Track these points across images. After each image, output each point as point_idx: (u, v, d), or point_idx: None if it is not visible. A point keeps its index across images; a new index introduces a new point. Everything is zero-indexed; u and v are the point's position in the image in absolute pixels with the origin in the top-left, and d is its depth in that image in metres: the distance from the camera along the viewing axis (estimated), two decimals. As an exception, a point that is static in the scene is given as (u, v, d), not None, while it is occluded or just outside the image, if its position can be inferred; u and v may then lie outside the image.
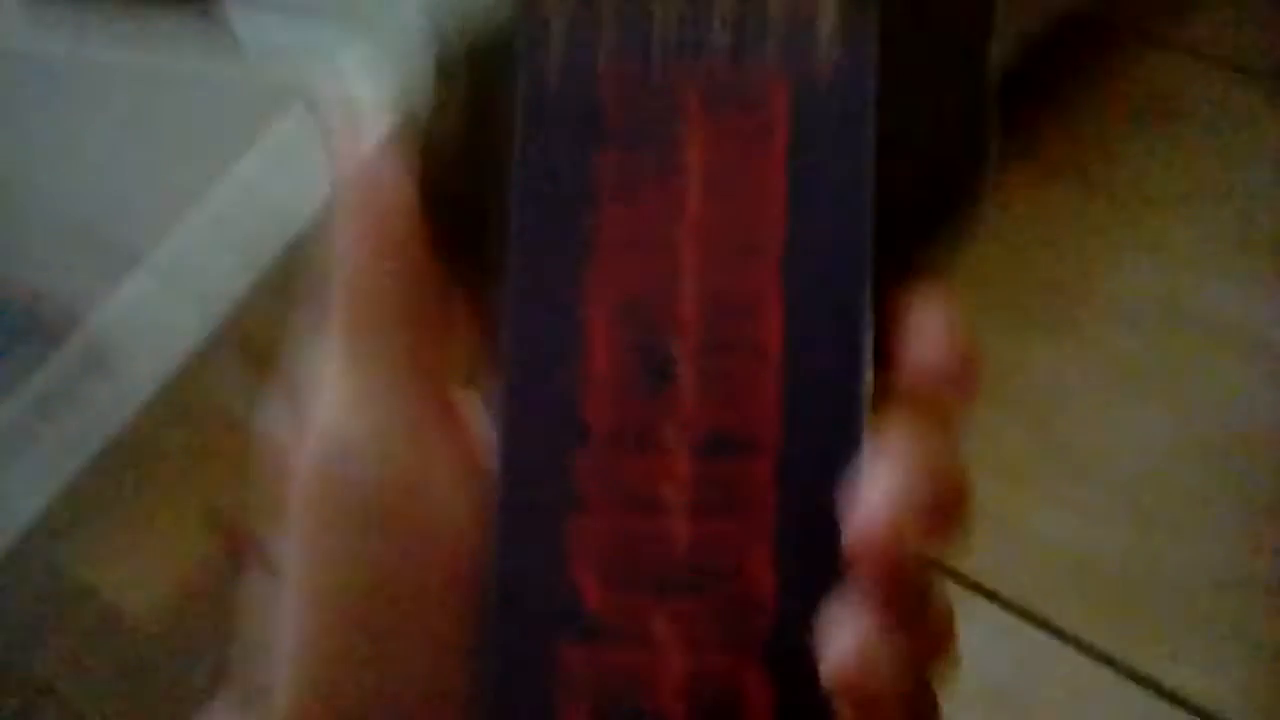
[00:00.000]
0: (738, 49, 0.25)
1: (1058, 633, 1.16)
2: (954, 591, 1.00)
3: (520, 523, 0.25)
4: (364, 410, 0.26)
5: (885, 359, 0.25)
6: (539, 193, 0.26)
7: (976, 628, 1.16)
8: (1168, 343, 1.35)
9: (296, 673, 0.26)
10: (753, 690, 0.25)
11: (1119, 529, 1.23)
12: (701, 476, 0.25)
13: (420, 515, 0.26)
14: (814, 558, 0.25)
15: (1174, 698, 1.12)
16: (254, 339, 1.21)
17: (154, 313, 1.23)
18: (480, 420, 0.27)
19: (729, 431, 0.25)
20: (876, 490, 0.24)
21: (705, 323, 0.25)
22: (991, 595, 1.19)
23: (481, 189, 0.26)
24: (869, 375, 0.25)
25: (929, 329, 0.25)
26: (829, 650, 0.24)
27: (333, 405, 0.26)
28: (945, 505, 0.25)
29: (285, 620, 0.26)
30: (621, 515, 0.25)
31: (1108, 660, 1.15)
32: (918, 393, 0.25)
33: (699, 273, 0.25)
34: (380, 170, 0.27)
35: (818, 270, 0.25)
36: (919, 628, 0.25)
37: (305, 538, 0.26)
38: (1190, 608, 1.18)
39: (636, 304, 0.25)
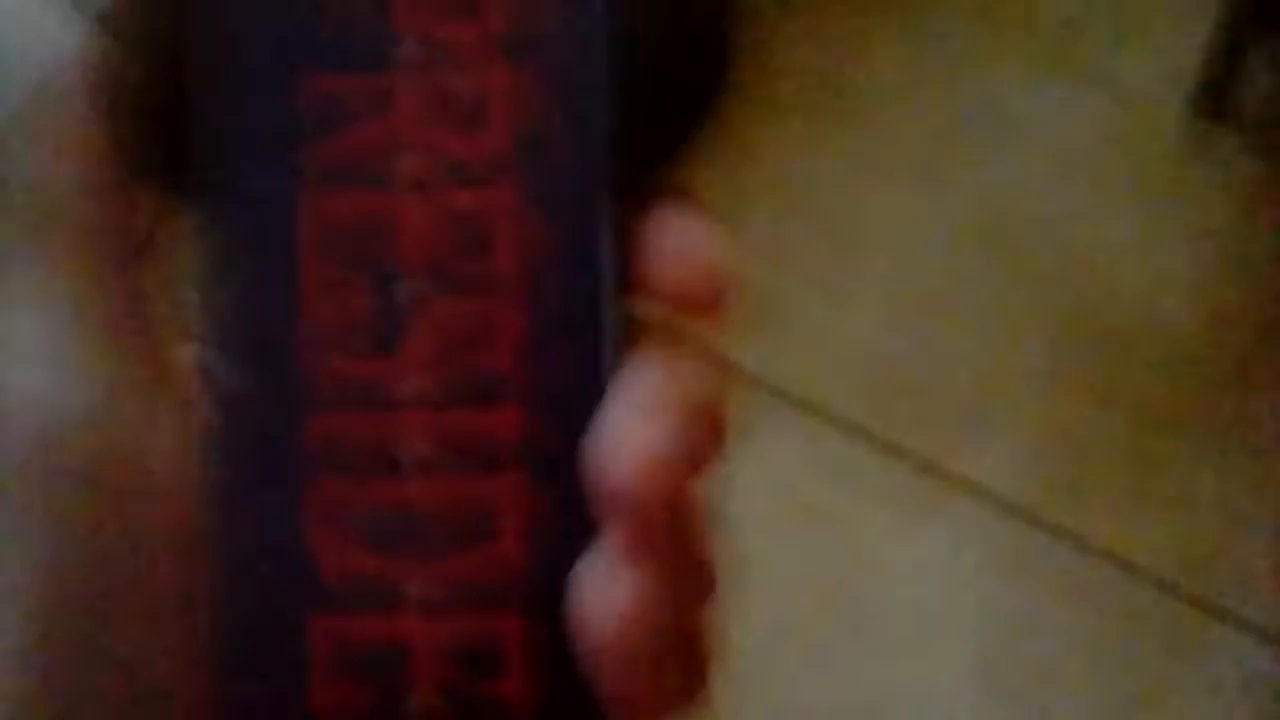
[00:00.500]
0: None
1: (851, 428, 1.18)
2: (748, 394, 1.00)
3: (248, 494, 0.23)
4: (74, 368, 0.24)
5: (637, 285, 0.23)
6: (239, 129, 0.23)
7: (770, 430, 1.18)
8: (951, 133, 1.36)
9: (14, 648, 0.24)
10: (512, 651, 0.23)
11: (908, 323, 1.24)
12: (440, 429, 0.23)
13: (143, 479, 0.24)
14: (568, 509, 0.23)
15: (960, 481, 1.16)
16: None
17: None
18: (198, 378, 0.24)
19: (467, 379, 0.23)
20: (625, 433, 0.22)
21: (433, 260, 0.23)
22: (757, 382, 1.20)
23: (179, 93, 0.24)
24: (615, 308, 0.23)
25: (674, 249, 0.23)
26: (587, 608, 0.22)
27: (37, 364, 0.24)
28: (701, 441, 0.23)
29: (2, 597, 0.24)
30: (357, 478, 0.23)
31: (888, 446, 1.17)
32: (666, 319, 0.23)
33: (423, 204, 0.23)
34: (75, 104, 0.24)
35: (554, 193, 0.23)
36: (683, 576, 0.23)
37: (17, 506, 0.24)
38: (957, 390, 1.20)
39: (355, 244, 0.23)
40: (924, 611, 1.09)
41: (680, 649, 0.23)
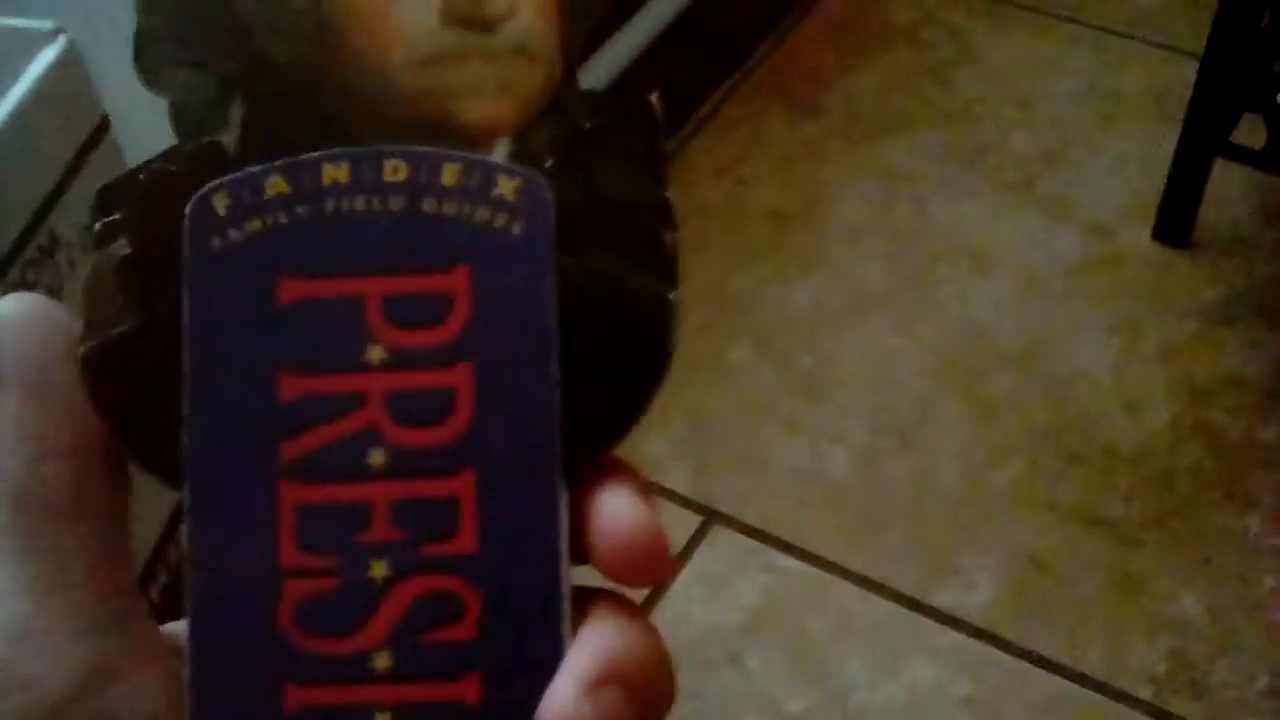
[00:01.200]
0: (411, 237, 0.26)
1: (810, 558, 1.18)
2: (728, 535, 1.00)
3: None
4: (30, 631, 0.24)
5: (582, 551, 0.26)
6: (216, 379, 0.26)
7: (751, 570, 1.17)
8: (921, 270, 1.37)
9: None
10: None
11: (884, 460, 1.25)
12: (408, 699, 0.25)
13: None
14: None
15: (942, 613, 1.15)
16: None
17: None
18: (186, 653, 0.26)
19: (431, 649, 0.25)
20: (572, 687, 0.24)
21: (401, 537, 0.25)
22: (738, 525, 1.20)
23: (157, 375, 0.26)
24: (566, 579, 0.25)
25: (614, 522, 0.25)
26: None
27: (25, 647, 0.24)
28: (643, 693, 0.24)
29: None
30: (331, 696, 0.25)
31: (866, 582, 1.17)
32: (615, 569, 0.25)
33: (389, 480, 0.26)
34: (51, 368, 0.25)
35: (510, 479, 0.26)
36: None
37: None
38: (937, 522, 1.20)
39: (328, 522, 0.25)
40: (915, 748, 1.08)
41: None
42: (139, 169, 0.27)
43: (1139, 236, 1.38)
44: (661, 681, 0.25)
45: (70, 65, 0.93)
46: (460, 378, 0.26)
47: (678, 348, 0.27)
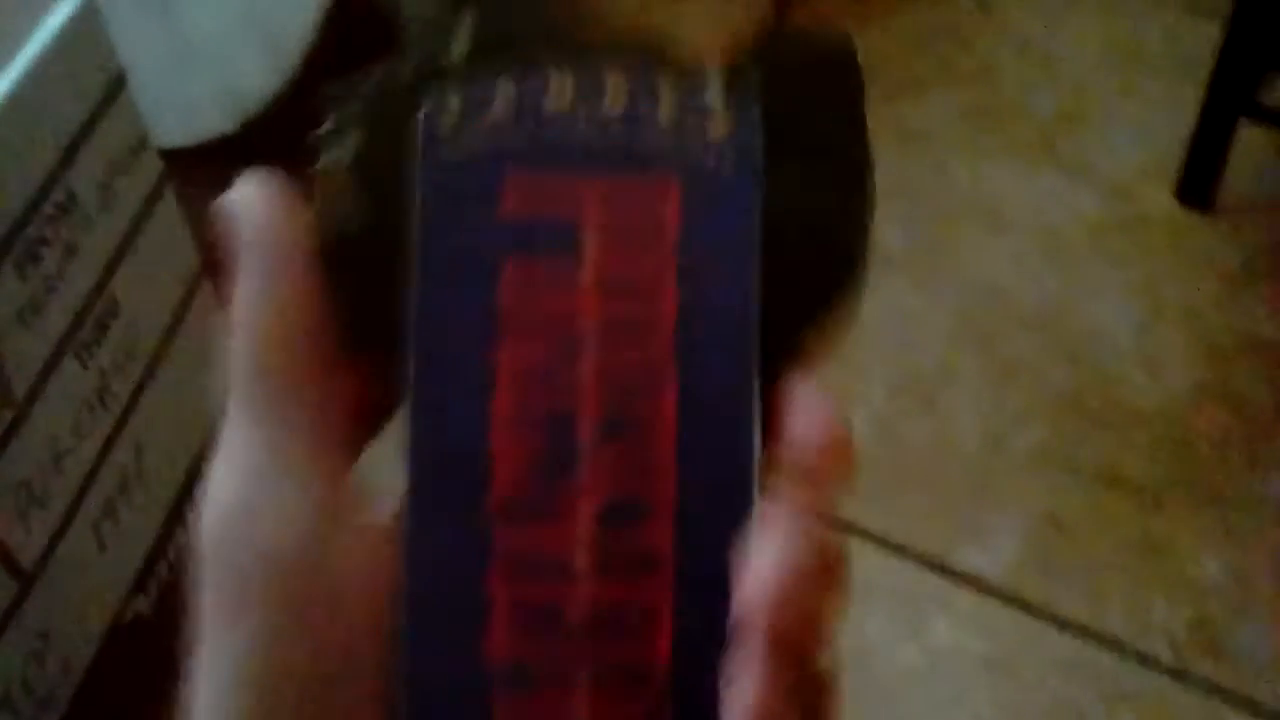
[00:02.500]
0: (629, 149, 0.28)
1: (852, 529, 1.17)
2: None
3: (431, 595, 0.27)
4: (264, 479, 0.28)
5: (772, 434, 0.27)
6: (442, 279, 0.28)
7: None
8: (943, 230, 1.37)
9: None
10: None
11: (906, 421, 1.24)
12: (604, 543, 0.27)
13: (321, 584, 0.27)
14: (709, 621, 0.26)
15: (962, 574, 1.14)
16: None
17: None
18: (384, 489, 0.28)
19: (629, 501, 0.27)
20: (764, 559, 0.26)
21: (604, 400, 0.27)
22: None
23: (385, 271, 0.28)
24: (758, 451, 0.27)
25: (808, 410, 0.27)
26: (724, 711, 0.26)
27: (234, 472, 0.28)
28: (826, 571, 0.26)
29: (197, 686, 0.28)
30: (530, 581, 0.27)
31: (886, 544, 1.16)
32: (799, 467, 0.27)
33: (598, 354, 0.27)
34: (284, 243, 0.28)
35: (709, 354, 0.27)
36: (807, 687, 0.26)
37: (209, 605, 0.28)
38: (957, 484, 1.20)
39: (539, 383, 0.27)
40: (935, 708, 1.08)
41: None
42: (370, 73, 0.28)
43: (1160, 198, 1.37)
44: (841, 559, 0.27)
45: (86, 20, 0.92)
46: (666, 292, 0.28)
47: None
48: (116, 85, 0.94)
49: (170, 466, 1.03)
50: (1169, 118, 1.42)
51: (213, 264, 1.06)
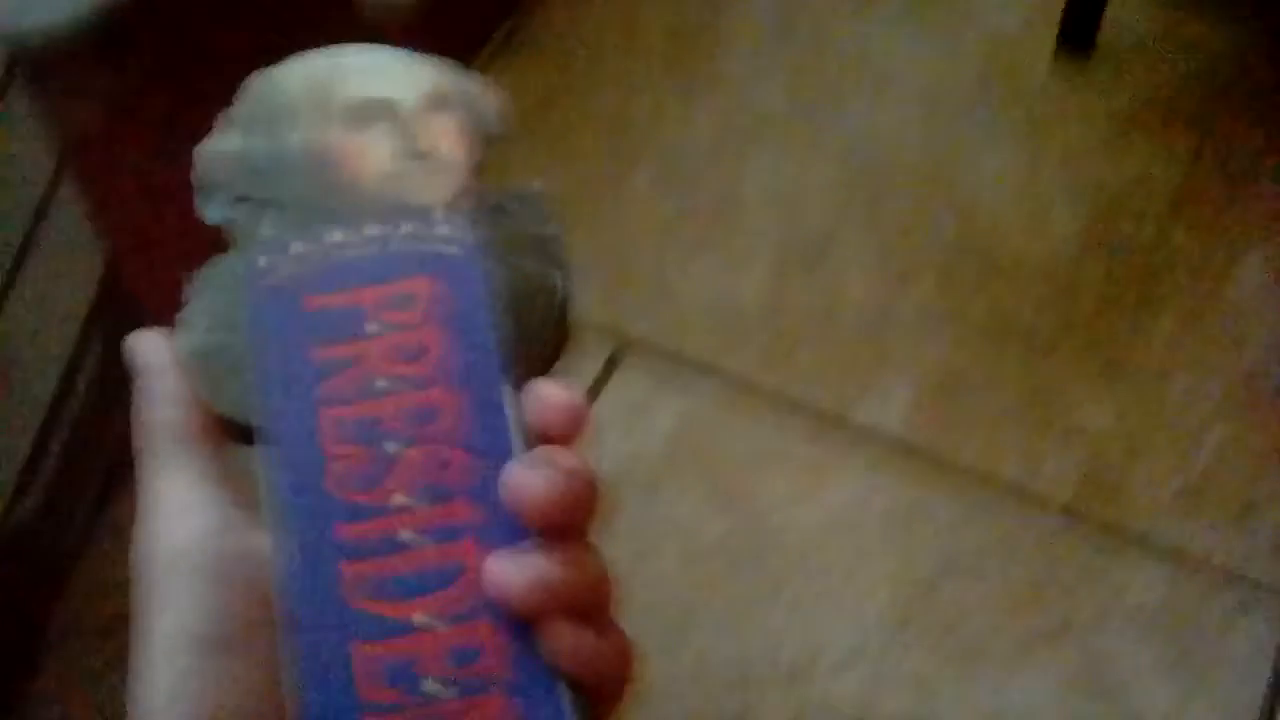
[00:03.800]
0: (388, 260, 0.41)
1: (725, 381, 1.17)
2: (646, 361, 0.98)
3: (300, 572, 0.37)
4: (172, 503, 0.39)
5: (531, 424, 0.39)
6: (271, 360, 0.40)
7: (669, 394, 1.16)
8: (824, 86, 1.35)
9: (148, 714, 0.36)
10: (485, 638, 0.36)
11: (797, 279, 1.23)
12: (427, 514, 0.38)
13: (235, 559, 0.37)
14: (504, 534, 0.37)
15: (858, 431, 1.14)
16: None
17: None
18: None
19: (434, 479, 0.38)
20: (519, 476, 0.37)
21: (404, 423, 0.39)
22: (652, 350, 1.18)
23: (238, 380, 0.40)
24: (519, 430, 0.39)
25: (541, 393, 0.39)
26: (499, 570, 0.37)
27: (149, 509, 0.39)
28: (573, 484, 0.37)
29: (137, 671, 0.37)
30: (370, 557, 0.37)
31: (782, 402, 1.16)
32: (549, 431, 0.38)
33: (390, 387, 0.39)
34: (164, 369, 0.41)
35: (470, 375, 0.39)
36: (569, 562, 0.37)
37: (145, 601, 0.38)
38: (850, 340, 1.20)
39: (351, 413, 0.39)
40: (837, 565, 1.08)
41: (582, 613, 0.36)
42: (209, 263, 0.42)
43: (1042, 46, 1.36)
44: (589, 484, 0.37)
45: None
46: (430, 338, 0.40)
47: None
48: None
49: (43, 366, 0.99)
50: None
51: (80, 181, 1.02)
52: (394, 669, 0.36)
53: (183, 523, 0.38)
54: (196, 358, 0.41)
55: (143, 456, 0.40)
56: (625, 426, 1.14)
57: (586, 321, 0.43)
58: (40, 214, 0.96)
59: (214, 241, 0.42)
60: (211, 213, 0.43)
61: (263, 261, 0.41)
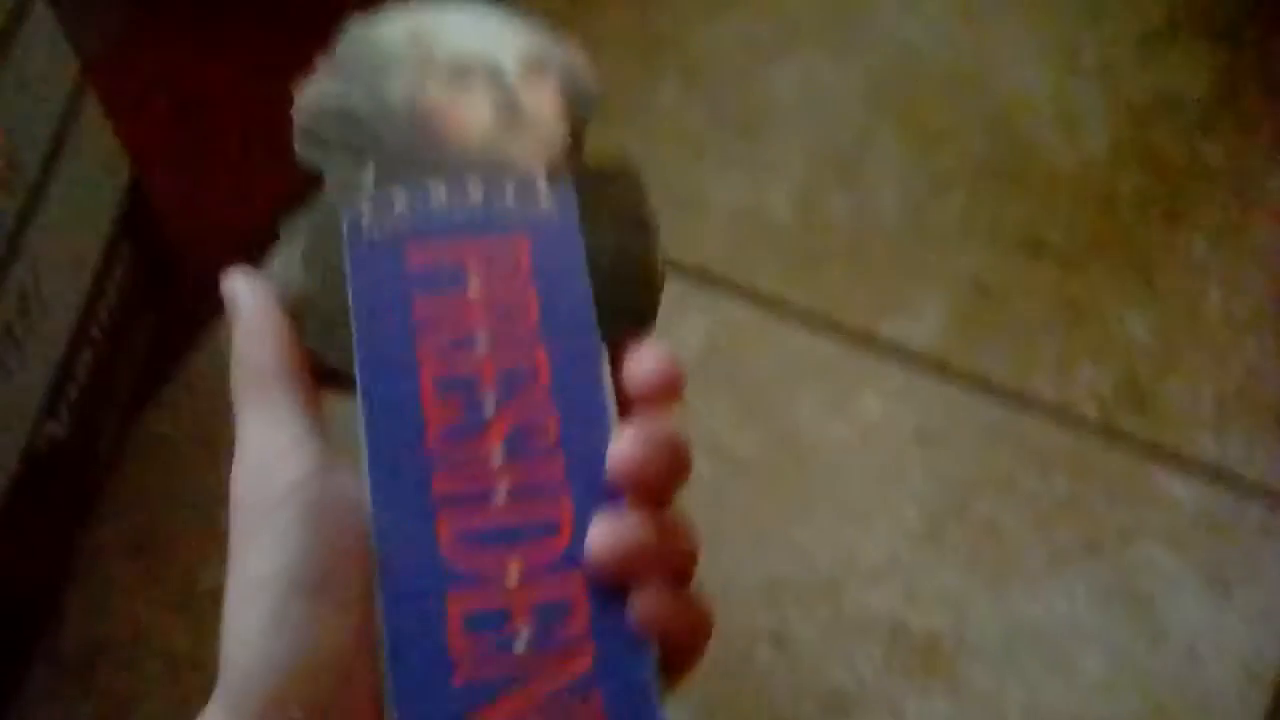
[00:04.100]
0: (489, 220, 0.41)
1: (753, 298, 1.16)
2: (673, 279, 0.96)
3: (393, 518, 0.38)
4: (270, 442, 0.39)
5: (624, 386, 0.40)
6: (373, 314, 0.40)
7: (696, 311, 1.15)
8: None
9: (239, 650, 0.37)
10: (575, 596, 0.37)
11: (825, 194, 1.22)
12: (522, 471, 0.38)
13: (330, 504, 0.38)
14: (594, 497, 0.38)
15: (890, 346, 1.14)
16: None
17: None
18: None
19: (529, 437, 0.39)
20: (624, 447, 0.38)
21: (498, 374, 0.39)
22: (679, 267, 1.17)
23: (335, 314, 0.41)
24: (611, 392, 0.40)
25: (639, 357, 0.40)
26: (600, 537, 0.38)
27: (247, 445, 0.39)
28: (669, 454, 0.38)
29: (231, 608, 0.37)
30: (462, 503, 0.38)
31: (811, 319, 1.15)
32: (644, 395, 0.40)
33: (488, 346, 0.40)
34: (266, 310, 0.41)
35: (565, 336, 0.40)
36: (665, 529, 0.38)
37: (238, 532, 0.38)
38: (880, 255, 1.18)
39: (449, 367, 0.39)
40: (868, 482, 1.08)
41: (667, 571, 0.38)
42: (305, 201, 0.43)
43: (1072, -46, 1.34)
44: (680, 448, 0.39)
45: None
46: (529, 299, 0.40)
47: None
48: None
49: (70, 286, 0.98)
50: None
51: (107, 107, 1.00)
52: (485, 621, 0.36)
53: (279, 464, 0.38)
54: (300, 303, 0.41)
55: (239, 396, 0.40)
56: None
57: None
58: (65, 124, 0.95)
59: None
60: (311, 156, 0.43)
61: (366, 211, 0.41)
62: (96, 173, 1.00)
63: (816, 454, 1.09)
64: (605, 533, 0.37)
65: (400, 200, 0.41)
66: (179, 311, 1.10)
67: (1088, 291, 1.16)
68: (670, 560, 0.38)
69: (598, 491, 0.38)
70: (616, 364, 0.41)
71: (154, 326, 1.09)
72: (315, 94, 0.43)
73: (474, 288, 0.40)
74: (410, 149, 0.42)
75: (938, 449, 1.09)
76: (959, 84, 1.27)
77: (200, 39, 1.16)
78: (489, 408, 0.39)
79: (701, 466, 1.14)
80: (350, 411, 0.40)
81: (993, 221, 1.20)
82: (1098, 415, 1.10)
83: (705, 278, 1.17)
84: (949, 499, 1.07)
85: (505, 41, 0.44)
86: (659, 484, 0.38)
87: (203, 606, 1.01)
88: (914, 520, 1.06)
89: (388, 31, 0.44)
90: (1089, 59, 1.28)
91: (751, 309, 1.16)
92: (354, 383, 0.40)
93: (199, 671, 0.99)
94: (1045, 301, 1.16)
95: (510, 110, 0.43)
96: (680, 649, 0.38)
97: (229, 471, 0.39)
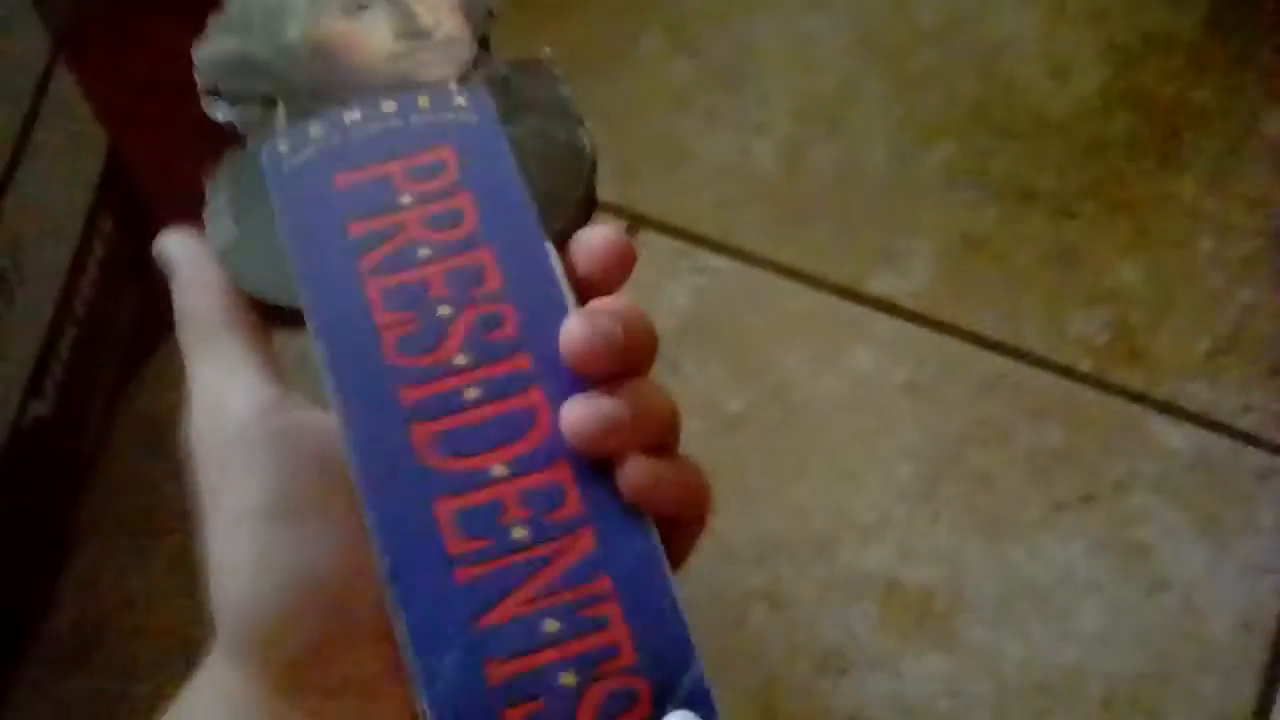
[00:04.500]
0: (409, 134, 0.42)
1: (740, 255, 1.15)
2: (657, 237, 0.96)
3: (363, 422, 0.38)
4: (223, 386, 0.39)
5: (576, 273, 0.40)
6: (308, 242, 0.40)
7: (682, 270, 1.14)
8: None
9: (231, 590, 0.37)
10: (564, 480, 0.37)
11: (811, 148, 1.21)
12: (489, 369, 0.38)
13: (297, 433, 0.38)
14: (569, 381, 0.38)
15: (879, 299, 1.13)
16: None
17: None
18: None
19: (488, 335, 0.39)
20: (570, 328, 0.38)
21: (446, 274, 0.39)
22: (665, 227, 1.16)
23: (275, 267, 0.40)
24: (563, 279, 0.40)
25: (590, 242, 0.40)
26: (574, 415, 0.38)
27: (202, 392, 0.39)
28: (623, 327, 0.38)
29: (215, 552, 0.38)
30: (427, 383, 0.38)
31: (799, 274, 1.14)
32: (596, 275, 0.40)
33: (432, 250, 0.40)
34: (200, 262, 0.41)
35: (507, 230, 0.40)
36: (637, 399, 0.38)
37: (205, 476, 0.38)
38: (867, 208, 1.17)
39: (395, 276, 0.39)
40: (860, 437, 1.07)
41: (644, 442, 0.37)
42: (229, 160, 0.42)
43: (1058, -107, 1.32)
44: (641, 323, 0.39)
45: None
46: (464, 203, 0.41)
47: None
48: None
49: (51, 263, 0.97)
50: None
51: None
52: (479, 519, 0.37)
53: (235, 404, 0.38)
54: (231, 249, 0.41)
55: (188, 351, 0.40)
56: (639, 304, 1.12)
57: (598, 199, 0.43)
58: (38, 99, 0.93)
59: (214, 126, 0.43)
60: (221, 112, 0.43)
61: (284, 146, 0.41)
62: (72, 147, 0.99)
63: (808, 410, 1.08)
64: (576, 410, 0.37)
65: (315, 128, 0.41)
66: (162, 283, 1.09)
67: (1078, 239, 1.15)
68: (648, 428, 0.38)
69: (568, 377, 0.38)
70: (566, 252, 0.41)
71: (137, 299, 1.08)
72: (212, 50, 0.43)
73: (405, 201, 0.40)
74: (316, 82, 0.42)
75: (930, 402, 1.08)
76: (945, 30, 1.25)
77: (170, 12, 1.14)
78: (442, 313, 0.39)
79: (692, 425, 1.13)
80: (307, 348, 0.40)
81: (981, 170, 1.18)
82: (1091, 365, 1.09)
83: (691, 235, 1.16)
84: (942, 452, 1.06)
85: None
86: (618, 359, 0.38)
87: (196, 582, 1.00)
88: (907, 475, 1.06)
89: None
90: (1076, 2, 1.26)
91: (739, 265, 1.15)
92: (303, 316, 0.39)
93: (194, 647, 0.99)
94: (1036, 250, 1.14)
95: (409, 25, 0.44)
96: (678, 515, 0.38)
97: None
